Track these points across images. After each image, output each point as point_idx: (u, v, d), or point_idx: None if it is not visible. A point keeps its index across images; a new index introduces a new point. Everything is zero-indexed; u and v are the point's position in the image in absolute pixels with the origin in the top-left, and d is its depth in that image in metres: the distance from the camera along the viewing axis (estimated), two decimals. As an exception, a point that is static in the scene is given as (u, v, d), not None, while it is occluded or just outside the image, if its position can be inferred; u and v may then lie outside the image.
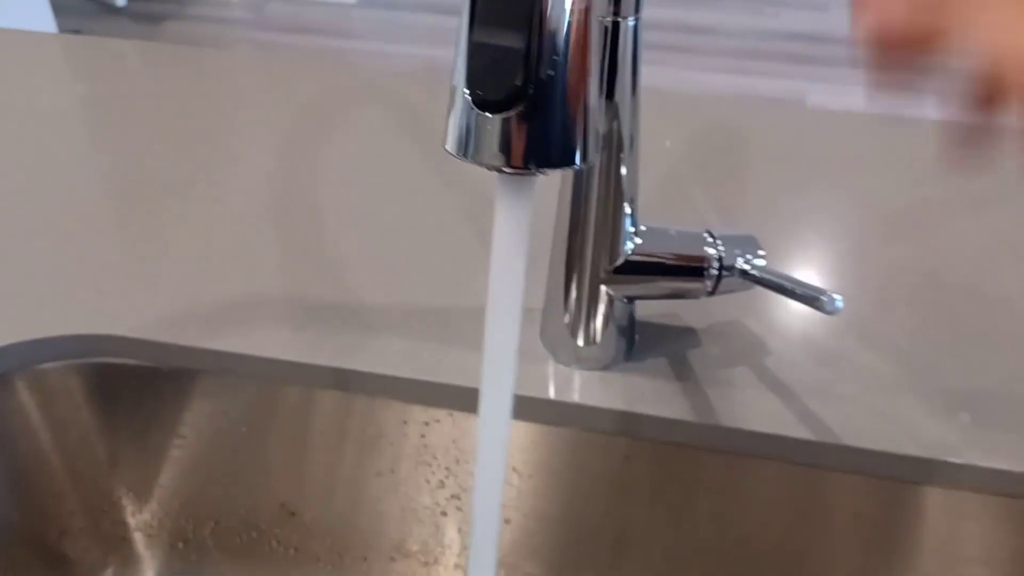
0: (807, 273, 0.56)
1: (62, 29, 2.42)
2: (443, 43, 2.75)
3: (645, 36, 0.41)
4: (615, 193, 0.44)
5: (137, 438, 0.54)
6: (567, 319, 0.48)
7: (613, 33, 0.40)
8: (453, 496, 0.54)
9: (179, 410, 0.54)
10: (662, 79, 2.40)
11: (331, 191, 0.63)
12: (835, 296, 0.41)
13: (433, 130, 0.68)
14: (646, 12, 0.40)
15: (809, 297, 0.42)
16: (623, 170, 0.44)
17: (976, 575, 0.49)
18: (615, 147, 0.43)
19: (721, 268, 0.45)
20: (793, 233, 0.59)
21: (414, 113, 0.71)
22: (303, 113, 0.71)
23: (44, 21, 2.29)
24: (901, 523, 0.49)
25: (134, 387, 0.53)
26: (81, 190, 0.63)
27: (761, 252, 0.46)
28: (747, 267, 0.45)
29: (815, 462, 0.47)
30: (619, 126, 0.43)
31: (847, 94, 2.46)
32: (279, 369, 0.51)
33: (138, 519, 0.57)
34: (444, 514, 0.54)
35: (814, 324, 0.52)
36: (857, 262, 0.57)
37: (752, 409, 0.48)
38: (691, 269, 0.46)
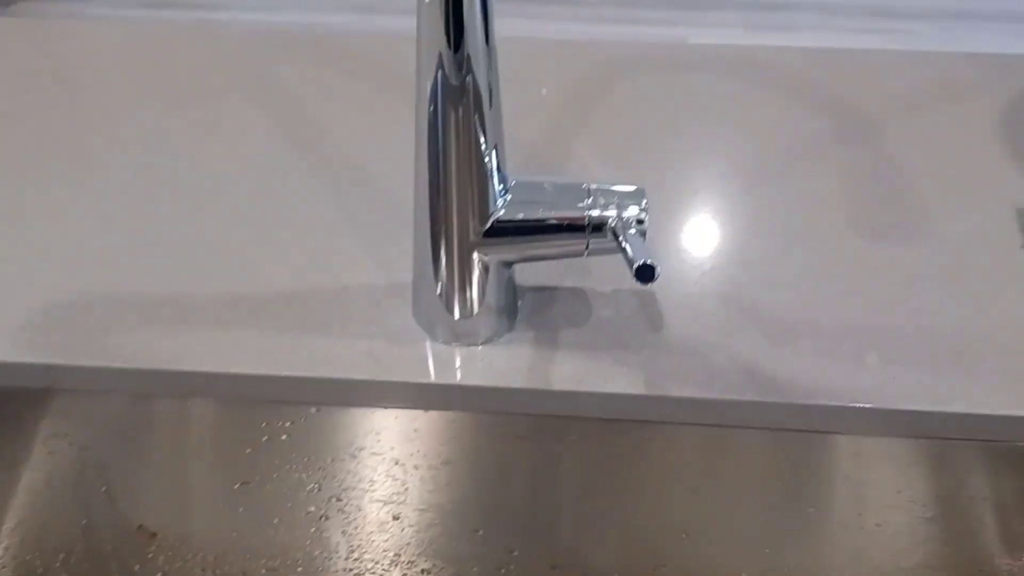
0: (697, 217, 0.52)
1: None
2: (323, 9, 2.63)
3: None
4: (475, 148, 0.39)
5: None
6: (440, 292, 0.43)
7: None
8: (333, 497, 0.48)
9: (22, 434, 0.47)
10: (542, 32, 2.34)
11: (180, 174, 0.56)
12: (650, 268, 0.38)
13: (296, 99, 0.61)
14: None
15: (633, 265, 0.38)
16: (484, 122, 0.39)
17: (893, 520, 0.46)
18: (471, 99, 0.38)
19: (594, 227, 0.41)
20: (681, 175, 0.55)
21: (275, 83, 0.64)
22: (158, 90, 0.64)
23: None
24: (813, 475, 0.46)
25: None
26: None
27: (641, 208, 0.41)
28: (616, 226, 0.41)
29: (720, 421, 0.43)
30: (473, 78, 0.37)
31: (727, 37, 2.46)
32: (119, 379, 0.44)
33: (-27, 561, 0.50)
34: (325, 518, 0.49)
35: (715, 272, 0.48)
36: (746, 202, 0.54)
37: (649, 371, 0.43)
38: (569, 227, 0.41)
